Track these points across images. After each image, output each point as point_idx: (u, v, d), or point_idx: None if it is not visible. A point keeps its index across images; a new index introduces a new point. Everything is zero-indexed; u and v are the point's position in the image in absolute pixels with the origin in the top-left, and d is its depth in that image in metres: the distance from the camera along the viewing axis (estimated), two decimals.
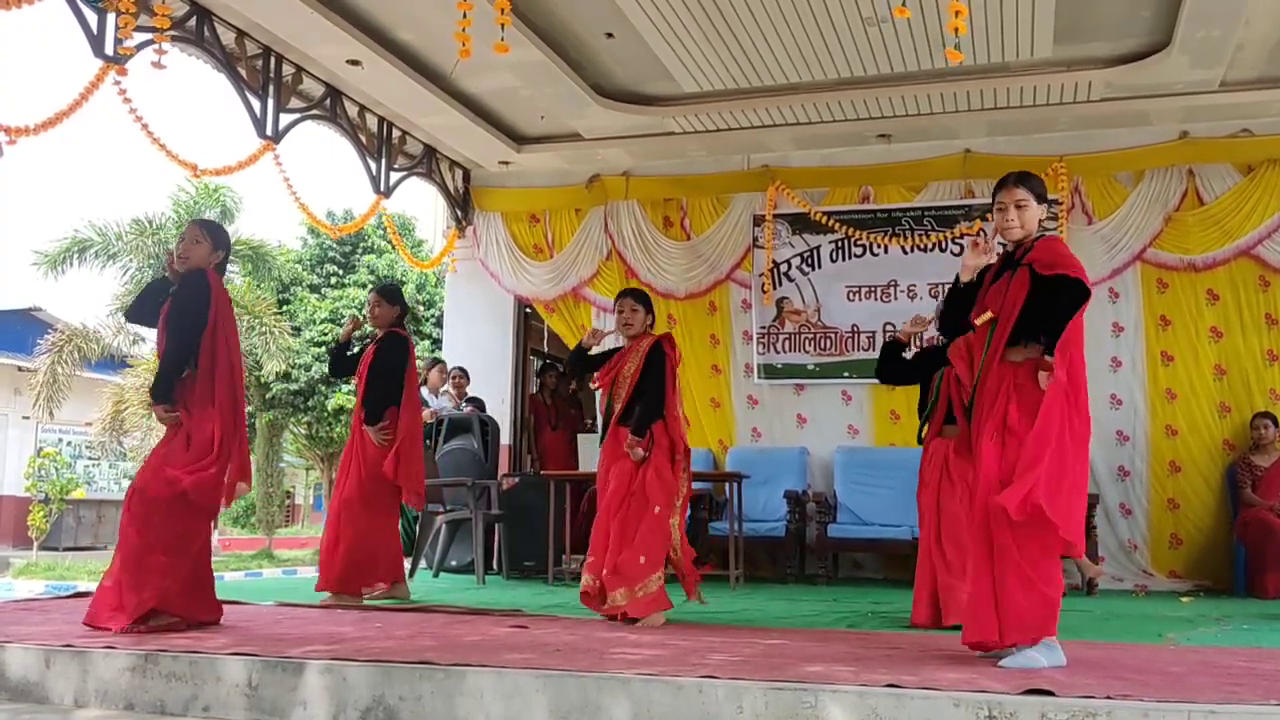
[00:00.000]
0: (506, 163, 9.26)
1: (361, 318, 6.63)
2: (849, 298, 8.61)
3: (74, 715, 3.52)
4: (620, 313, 5.45)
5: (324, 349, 19.07)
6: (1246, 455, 7.66)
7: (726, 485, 7.81)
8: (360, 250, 21.78)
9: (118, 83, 6.16)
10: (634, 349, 5.39)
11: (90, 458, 21.64)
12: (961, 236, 8.33)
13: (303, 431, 21.99)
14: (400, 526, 6.67)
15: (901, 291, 8.49)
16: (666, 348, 5.35)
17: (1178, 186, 8.00)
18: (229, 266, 19.62)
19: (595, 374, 5.53)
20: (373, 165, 8.37)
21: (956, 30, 4.66)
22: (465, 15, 5.39)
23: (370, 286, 5.48)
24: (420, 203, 26.79)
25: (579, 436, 8.23)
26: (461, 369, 9.06)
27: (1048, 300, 3.57)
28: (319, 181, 40.95)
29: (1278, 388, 7.80)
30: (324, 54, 7.18)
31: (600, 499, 5.31)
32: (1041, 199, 3.79)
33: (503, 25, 5.50)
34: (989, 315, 3.62)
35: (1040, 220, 3.80)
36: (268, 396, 19.49)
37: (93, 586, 5.07)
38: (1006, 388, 3.63)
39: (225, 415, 4.48)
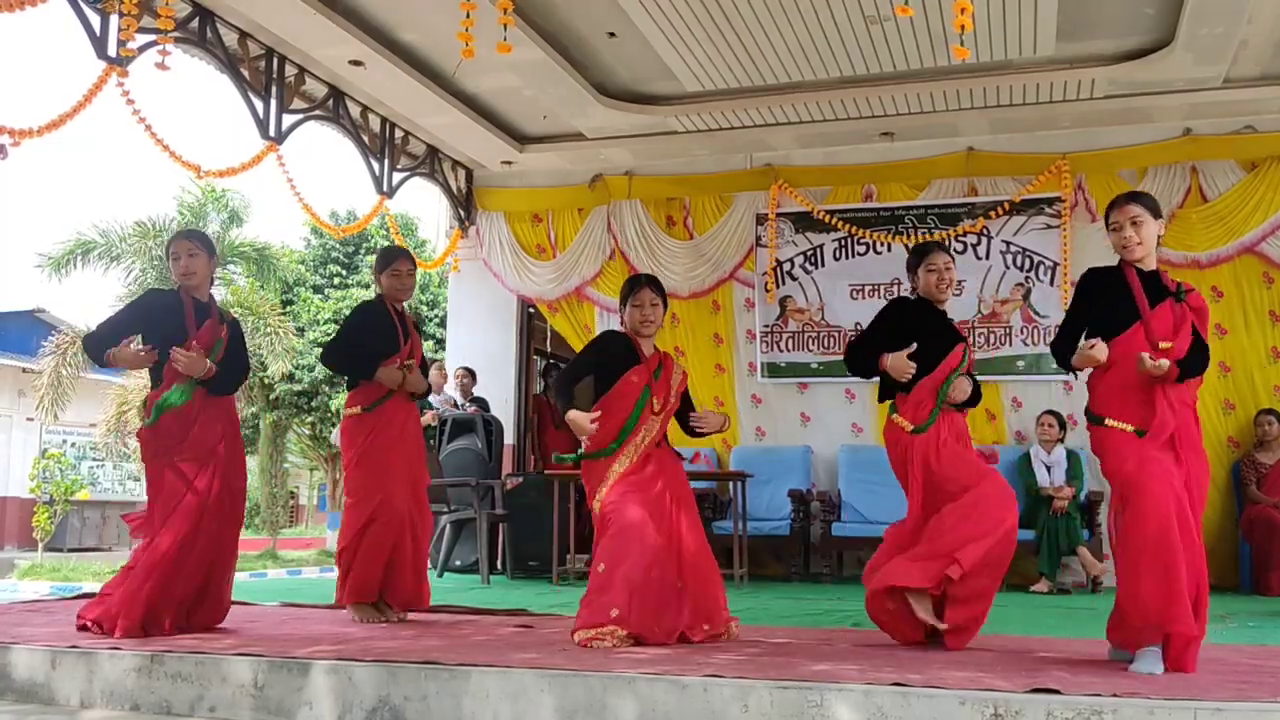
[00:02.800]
0: (509, 162, 9.25)
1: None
2: (852, 296, 8.60)
3: (80, 716, 3.53)
4: (639, 307, 4.46)
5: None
6: (1251, 453, 7.65)
7: (731, 484, 7.81)
8: (363, 250, 21.78)
9: (121, 84, 6.16)
10: (669, 369, 4.56)
11: (94, 459, 21.69)
12: (964, 234, 8.32)
13: (306, 432, 22.01)
14: None
15: (905, 290, 8.45)
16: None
17: (1181, 184, 7.98)
18: (231, 267, 19.26)
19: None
20: (375, 166, 8.37)
21: (962, 27, 4.64)
22: (468, 15, 5.40)
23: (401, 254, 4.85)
24: (423, 203, 26.79)
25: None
26: (468, 369, 9.07)
27: (1195, 351, 3.74)
28: (322, 182, 41.08)
29: None
30: (326, 55, 7.18)
31: (645, 520, 4.21)
32: (1156, 214, 3.77)
33: (505, 25, 5.49)
34: (1170, 346, 3.71)
35: (1159, 235, 3.78)
36: (271, 397, 19.50)
37: (97, 587, 5.07)
38: (1181, 411, 3.71)
39: None
